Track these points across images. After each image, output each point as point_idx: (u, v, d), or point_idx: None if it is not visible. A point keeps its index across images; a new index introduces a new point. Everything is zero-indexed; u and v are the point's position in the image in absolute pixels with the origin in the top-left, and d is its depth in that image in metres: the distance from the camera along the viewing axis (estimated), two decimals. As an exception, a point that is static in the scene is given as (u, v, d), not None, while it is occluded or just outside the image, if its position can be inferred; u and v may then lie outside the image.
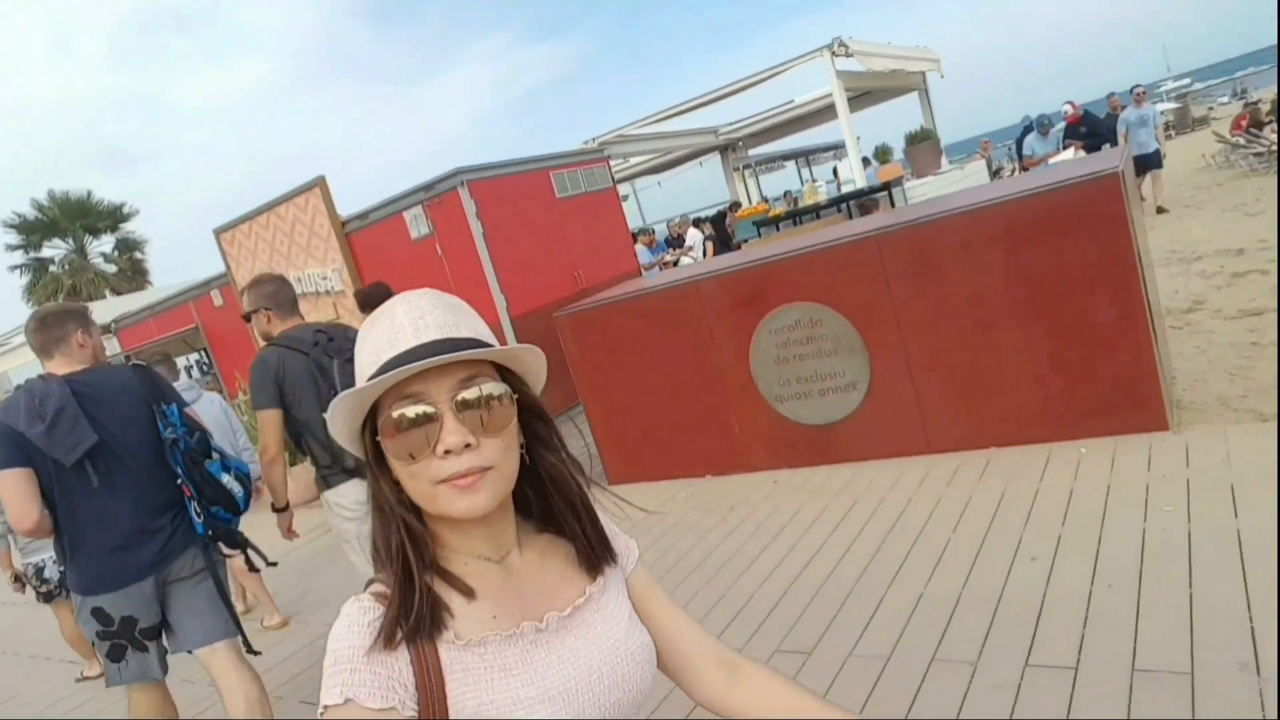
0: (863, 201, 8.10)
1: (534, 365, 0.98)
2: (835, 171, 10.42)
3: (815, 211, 8.62)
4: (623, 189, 17.98)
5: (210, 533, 2.83)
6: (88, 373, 2.76)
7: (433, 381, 0.87)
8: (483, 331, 0.95)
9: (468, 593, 0.92)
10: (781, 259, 4.62)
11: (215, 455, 2.90)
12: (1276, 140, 13.57)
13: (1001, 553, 3.27)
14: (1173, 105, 35.32)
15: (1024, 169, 10.44)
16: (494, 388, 0.90)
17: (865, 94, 12.75)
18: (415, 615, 0.86)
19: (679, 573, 4.00)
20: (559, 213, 8.79)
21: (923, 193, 8.00)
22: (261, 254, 9.32)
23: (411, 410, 0.87)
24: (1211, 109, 36.41)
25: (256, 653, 3.01)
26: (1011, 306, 4.03)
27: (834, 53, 10.22)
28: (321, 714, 0.83)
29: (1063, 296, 3.90)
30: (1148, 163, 11.10)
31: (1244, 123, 16.89)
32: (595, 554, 1.02)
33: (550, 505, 1.01)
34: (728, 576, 3.82)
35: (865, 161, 12.23)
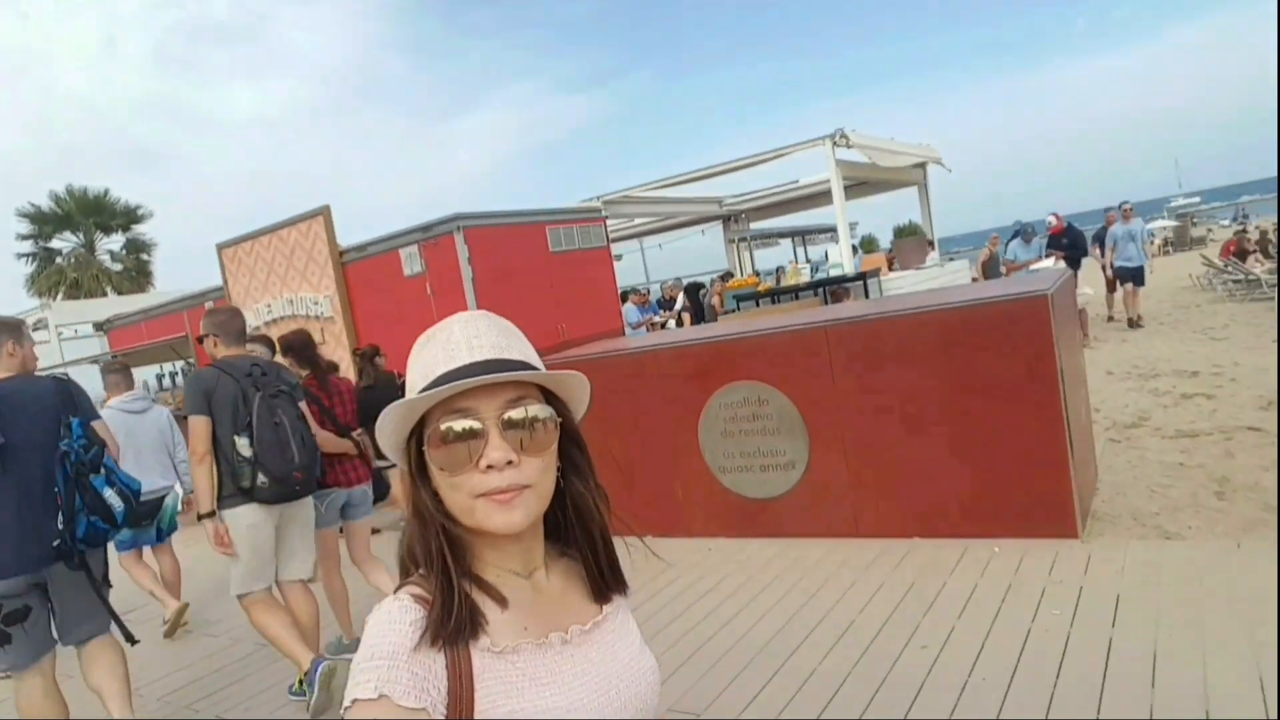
0: (836, 289, 8.41)
1: (578, 392, 1.01)
2: (826, 255, 10.78)
3: (795, 293, 8.95)
4: (627, 246, 18.43)
5: (87, 539, 3.12)
6: (11, 380, 3.16)
7: (482, 399, 0.91)
8: (532, 356, 0.99)
9: (501, 601, 0.94)
10: (738, 338, 4.89)
11: (104, 471, 3.22)
12: (1261, 269, 14.00)
13: (897, 638, 3.45)
14: (1173, 223, 36.24)
15: (1006, 273, 10.80)
16: (539, 410, 0.94)
17: (863, 183, 13.20)
18: (456, 618, 0.88)
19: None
20: (550, 266, 9.09)
21: (897, 285, 8.31)
22: (259, 273, 9.61)
23: (459, 424, 0.90)
24: (1210, 230, 37.31)
25: (135, 641, 3.31)
26: (942, 408, 4.27)
27: (835, 142, 10.66)
28: (349, 706, 0.83)
29: (989, 404, 4.15)
30: (1131, 276, 11.50)
31: (1231, 249, 17.43)
32: (606, 584, 1.04)
33: (572, 531, 1.04)
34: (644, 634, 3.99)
35: (855, 249, 12.64)
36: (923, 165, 14.06)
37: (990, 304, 4.05)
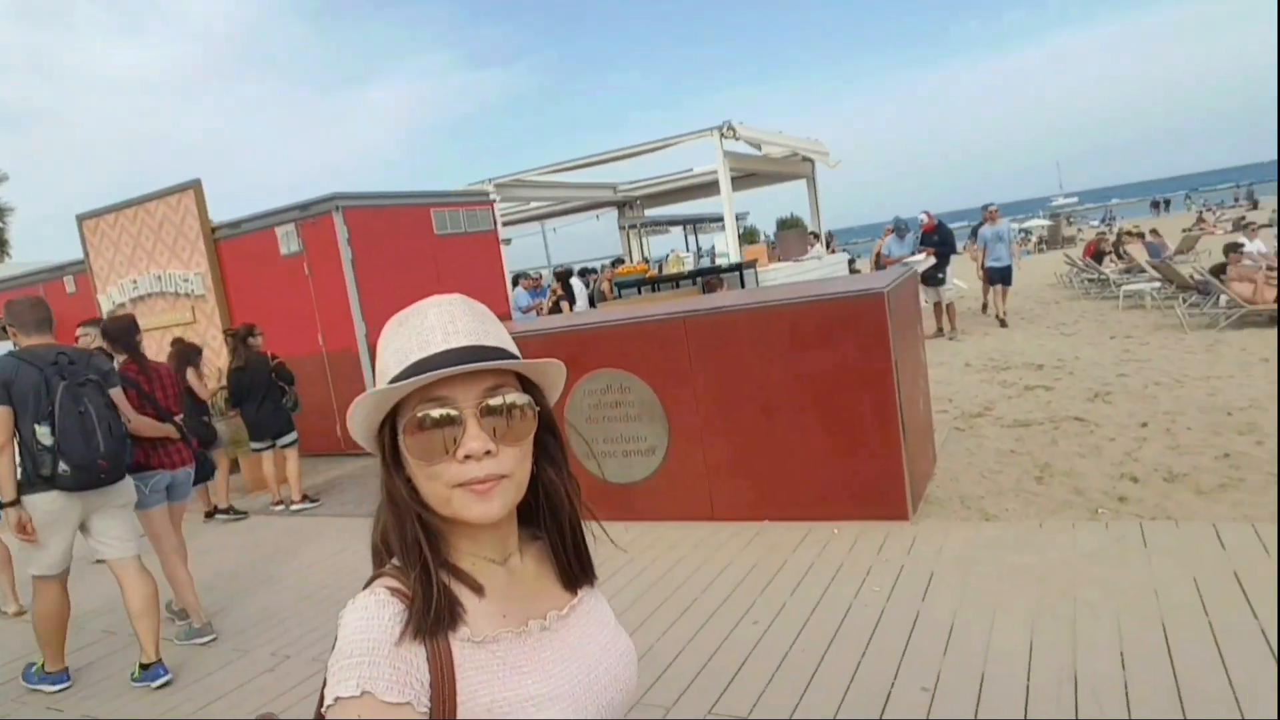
0: (710, 279, 8.68)
1: (555, 379, 1.00)
2: (713, 244, 11.04)
3: (676, 281, 9.18)
4: (527, 229, 18.33)
5: None
6: None
7: (459, 387, 0.89)
8: (507, 342, 0.96)
9: (478, 590, 0.93)
10: (601, 327, 5.02)
11: None
12: (1112, 269, 15.10)
13: (733, 614, 3.67)
14: (1047, 222, 38.49)
15: (880, 266, 11.32)
16: (518, 398, 0.92)
17: (752, 175, 13.55)
18: (436, 611, 0.86)
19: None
20: (435, 248, 9.03)
21: (773, 277, 8.62)
22: (124, 247, 9.16)
23: (436, 412, 0.88)
24: (1080, 230, 39.75)
25: None
26: (790, 396, 4.51)
27: (723, 134, 10.91)
28: (331, 705, 0.82)
29: (832, 393, 4.41)
30: (1000, 276, 12.06)
31: (1090, 250, 18.67)
32: (573, 573, 1.04)
33: (543, 516, 1.02)
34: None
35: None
36: (811, 162, 14.50)
37: (832, 300, 4.31)
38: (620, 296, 9.13)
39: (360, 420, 0.93)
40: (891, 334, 4.21)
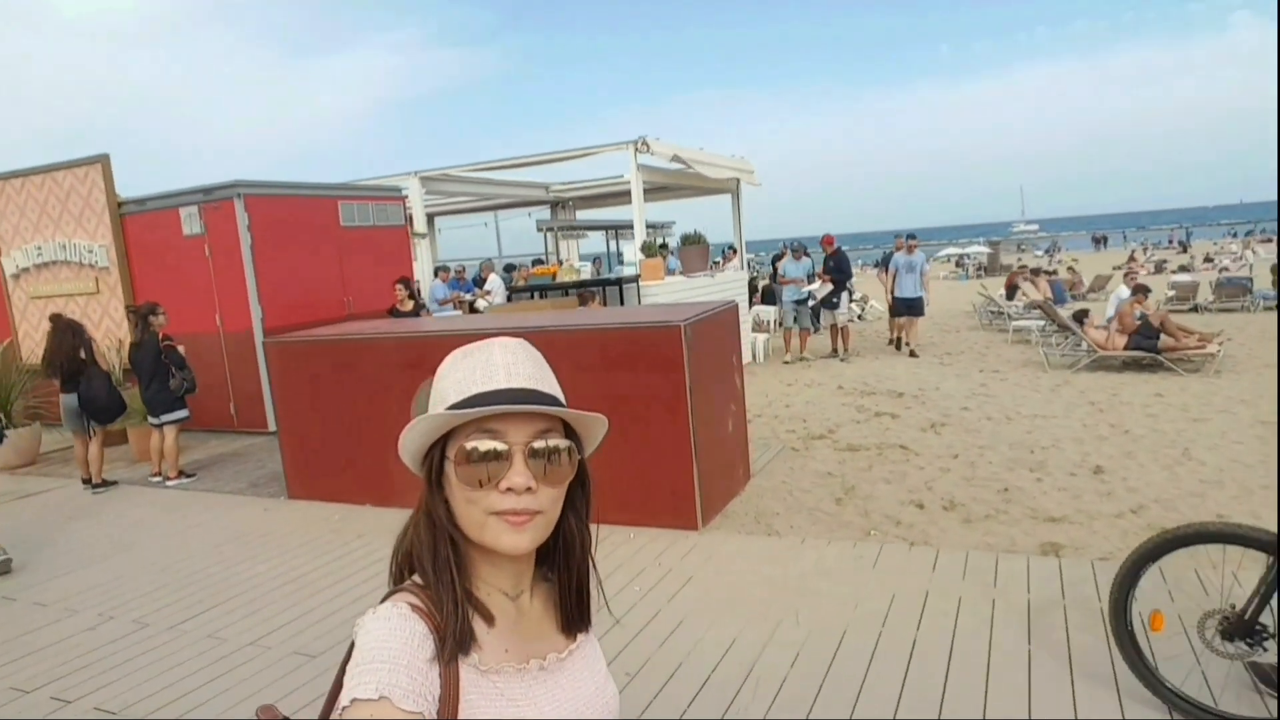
0: (582, 292, 9.12)
1: (596, 431, 1.05)
2: (621, 254, 11.50)
3: (566, 289, 9.60)
4: (461, 220, 18.60)
5: None
6: None
7: (512, 424, 0.94)
8: (559, 391, 1.02)
9: (489, 620, 0.97)
10: (442, 335, 5.46)
11: None
12: (1015, 304, 15.89)
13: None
14: (986, 249, 39.71)
15: (778, 285, 11.89)
16: (563, 443, 0.97)
17: (679, 187, 14.06)
18: (460, 634, 0.92)
19: (279, 576, 4.65)
20: (341, 241, 9.34)
21: (654, 293, 9.08)
22: (30, 212, 9.34)
23: (487, 444, 0.93)
24: (1020, 258, 41.10)
25: None
26: (601, 409, 4.97)
27: (637, 148, 11.36)
28: (347, 705, 0.84)
29: (636, 412, 4.89)
30: (910, 307, 12.18)
31: (1009, 282, 19.53)
32: (570, 617, 1.08)
33: (555, 559, 1.07)
34: (312, 584, 4.52)
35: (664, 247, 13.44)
36: (735, 179, 15.02)
37: (635, 329, 4.80)
38: (510, 300, 9.52)
39: (415, 439, 0.98)
40: (687, 363, 4.70)
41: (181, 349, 7.08)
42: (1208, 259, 33.57)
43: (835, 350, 12.21)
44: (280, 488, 6.45)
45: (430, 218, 17.74)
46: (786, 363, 11.79)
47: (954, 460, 6.48)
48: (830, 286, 11.89)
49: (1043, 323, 13.09)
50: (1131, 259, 34.97)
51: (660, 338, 4.73)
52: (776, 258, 12.42)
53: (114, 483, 7.17)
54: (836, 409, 8.56)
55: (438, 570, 0.95)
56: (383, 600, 0.95)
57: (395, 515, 4.10)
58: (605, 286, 9.58)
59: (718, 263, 14.42)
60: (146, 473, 7.34)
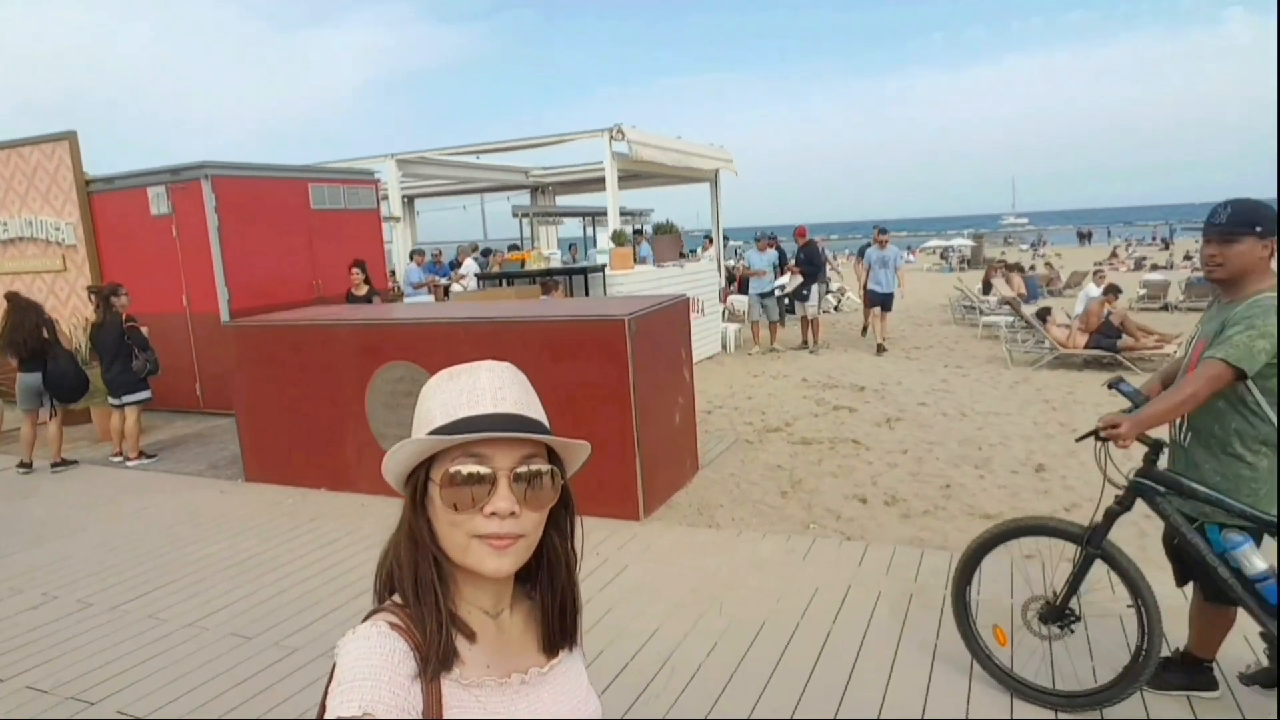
0: (545, 281, 9.18)
1: (578, 456, 1.06)
2: (595, 241, 11.54)
3: (533, 277, 9.66)
4: (442, 202, 18.57)
5: None
6: None
7: (498, 449, 0.94)
8: (544, 416, 1.03)
9: (470, 636, 0.98)
10: (398, 324, 5.52)
11: None
12: (988, 300, 16.03)
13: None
14: (970, 242, 39.94)
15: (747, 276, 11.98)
16: (546, 468, 0.98)
17: (642, 175, 14.10)
18: (443, 652, 0.93)
19: (226, 558, 4.74)
20: (310, 223, 9.36)
21: (620, 283, 9.14)
22: (-4, 188, 9.32)
23: (473, 468, 0.93)
24: (1004, 252, 41.35)
25: None
26: (547, 401, 5.05)
27: (612, 136, 11.40)
28: None
29: (580, 402, 4.98)
30: (879, 301, 12.04)
31: (987, 276, 19.67)
32: (554, 639, 1.09)
33: (538, 578, 1.08)
34: (259, 567, 4.61)
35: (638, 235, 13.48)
36: (715, 170, 15.07)
37: (580, 322, 4.89)
38: (480, 286, 9.57)
39: (400, 462, 0.97)
40: (631, 356, 4.79)
41: (145, 330, 7.11)
42: (1187, 256, 33.92)
43: (805, 342, 12.32)
44: (239, 470, 6.52)
45: (410, 200, 17.73)
46: (752, 355, 11.87)
47: (903, 455, 6.61)
48: (800, 279, 11.99)
49: (1012, 319, 13.25)
50: (1113, 255, 35.25)
51: (604, 330, 4.81)
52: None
53: (74, 462, 7.22)
54: (797, 402, 8.68)
55: (421, 591, 0.96)
56: (363, 621, 0.96)
57: (348, 500, 4.23)
58: (572, 276, 9.63)
59: (695, 252, 14.49)
60: (109, 453, 7.39)
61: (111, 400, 7.09)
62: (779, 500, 5.60)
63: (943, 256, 39.70)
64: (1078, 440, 2.98)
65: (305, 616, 4.05)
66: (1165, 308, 16.78)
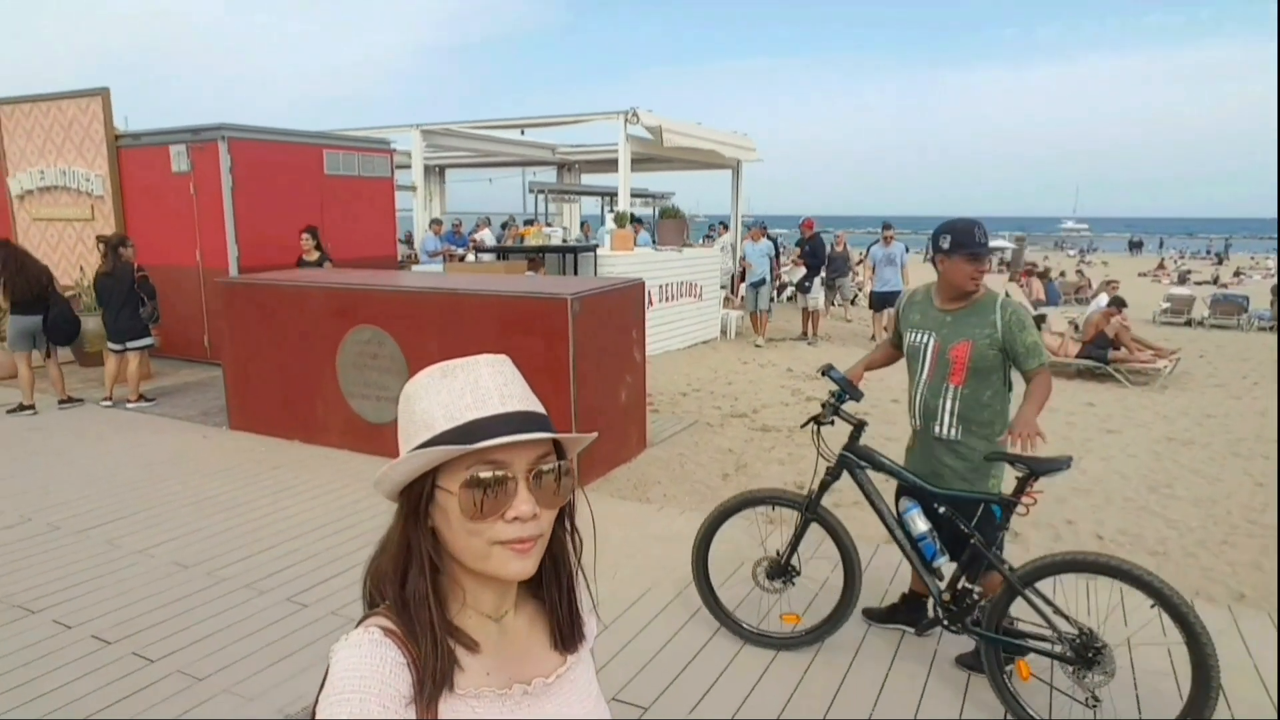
0: (532, 259, 9.45)
1: (580, 447, 1.03)
2: (604, 221, 11.80)
3: (530, 253, 9.96)
4: (468, 173, 18.95)
5: None
6: None
7: (515, 452, 0.90)
8: (543, 407, 1.00)
9: (472, 647, 0.94)
10: (369, 289, 5.87)
11: None
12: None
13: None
14: (1010, 245, 39.17)
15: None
16: (564, 465, 0.95)
17: (661, 159, 14.28)
18: (441, 672, 0.89)
19: (190, 495, 5.15)
20: (323, 188, 9.76)
21: (613, 264, 9.37)
22: (36, 137, 9.87)
23: (492, 473, 0.89)
24: (1048, 257, 40.48)
25: None
26: (497, 373, 5.39)
27: (627, 119, 11.62)
28: None
29: (527, 373, 5.23)
30: (886, 300, 11.61)
31: (1012, 281, 19.51)
32: (564, 632, 1.05)
33: (543, 573, 1.03)
34: (214, 505, 5.01)
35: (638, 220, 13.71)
36: (737, 159, 15.19)
37: (527, 299, 5.18)
38: (477, 259, 9.90)
39: (409, 473, 0.91)
40: (572, 334, 5.07)
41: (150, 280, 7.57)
42: (1237, 273, 32.98)
43: (805, 334, 12.45)
44: (226, 418, 6.96)
45: (441, 169, 18.16)
46: (758, 346, 11.86)
47: (856, 450, 6.78)
48: (804, 270, 12.11)
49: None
50: (1160, 266, 34.41)
51: (549, 309, 5.09)
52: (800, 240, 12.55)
53: (80, 400, 7.73)
54: (773, 390, 8.87)
55: (415, 606, 0.92)
56: (356, 625, 0.93)
57: (316, 451, 4.84)
58: (564, 254, 9.90)
59: (710, 238, 14.64)
60: (121, 396, 7.84)
61: (113, 345, 7.54)
62: (718, 482, 5.84)
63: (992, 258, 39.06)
64: (801, 426, 3.64)
65: (241, 552, 4.43)
66: (1189, 323, 16.51)
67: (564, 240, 11.10)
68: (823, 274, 12.43)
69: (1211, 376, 10.51)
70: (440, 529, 0.93)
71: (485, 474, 0.89)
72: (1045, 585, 2.93)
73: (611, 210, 17.14)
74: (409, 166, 12.77)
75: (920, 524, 3.17)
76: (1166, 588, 2.63)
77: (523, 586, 1.03)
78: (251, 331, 6.55)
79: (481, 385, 0.94)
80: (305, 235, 8.52)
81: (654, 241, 11.89)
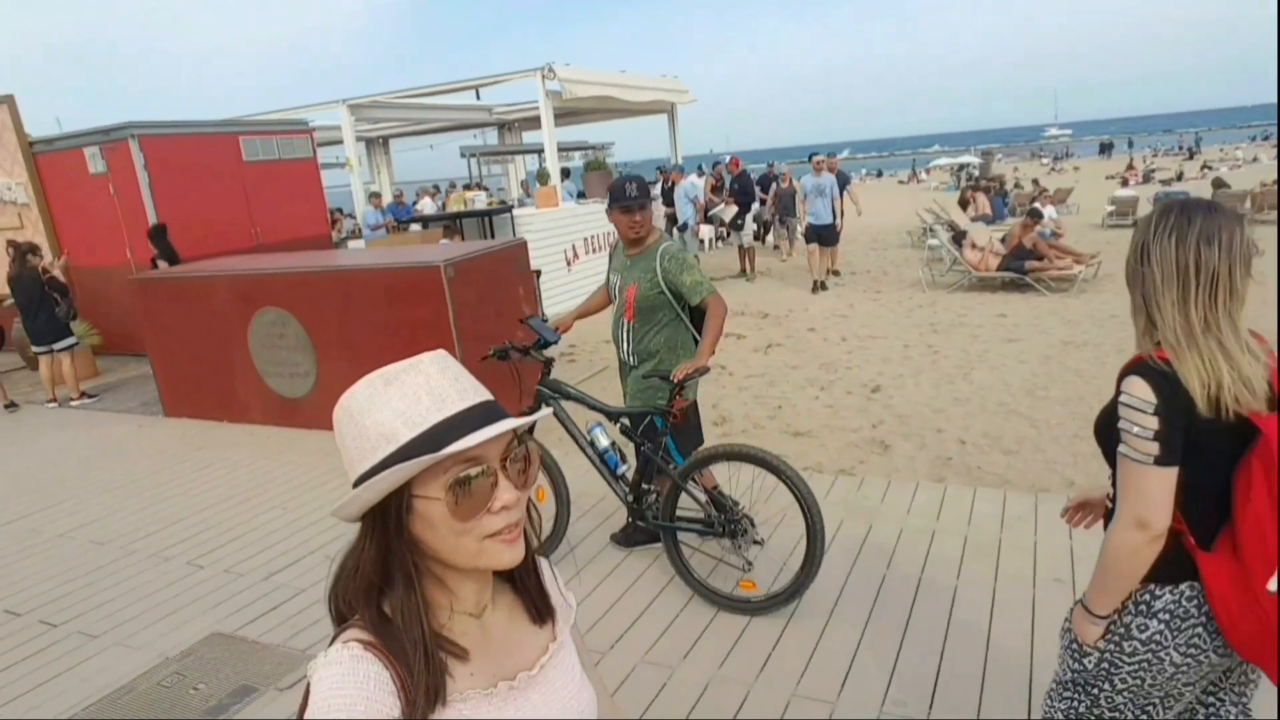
0: (447, 226, 9.66)
1: (529, 423, 0.99)
2: (535, 180, 11.98)
3: (447, 220, 10.17)
4: (412, 142, 18.99)
5: None
6: None
7: (487, 443, 0.89)
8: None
9: (461, 655, 0.93)
10: (270, 274, 6.18)
11: None
12: (962, 220, 16.15)
13: (320, 500, 4.95)
14: (977, 160, 39.17)
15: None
16: (533, 446, 0.95)
17: (589, 111, 14.38)
18: (432, 689, 0.88)
19: (114, 481, 5.51)
20: (244, 175, 9.94)
21: (530, 223, 9.59)
22: (-46, 151, 10.03)
23: (473, 470, 0.88)
24: (1017, 169, 40.47)
25: None
26: (388, 340, 5.71)
27: (544, 75, 11.74)
28: None
29: (413, 341, 5.56)
30: (820, 236, 11.14)
31: (962, 198, 19.64)
32: (538, 608, 1.05)
33: None
34: (133, 487, 5.37)
35: (565, 174, 13.87)
36: (671, 103, 15.28)
37: (404, 269, 5.49)
38: (402, 230, 10.10)
39: (381, 490, 0.87)
40: (450, 298, 5.38)
41: (57, 271, 7.70)
42: (1204, 166, 33.00)
43: (743, 270, 12.72)
44: (157, 409, 7.30)
45: (385, 140, 18.20)
46: None
47: (758, 380, 7.14)
48: (735, 209, 12.33)
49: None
50: (1130, 167, 34.45)
51: (425, 277, 5.40)
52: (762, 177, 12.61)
53: (15, 406, 8.03)
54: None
55: (406, 621, 0.89)
56: (331, 641, 0.91)
57: (240, 430, 5.43)
58: (481, 218, 10.12)
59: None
60: (65, 396, 8.16)
61: (37, 349, 7.78)
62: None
63: (955, 174, 39.07)
64: (482, 360, 3.64)
65: (154, 525, 4.80)
66: (1134, 224, 16.72)
67: (489, 203, 11.27)
68: (759, 211, 12.63)
69: (1129, 276, 10.82)
70: (422, 537, 0.90)
71: (471, 472, 0.88)
72: (721, 476, 3.50)
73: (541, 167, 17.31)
74: (332, 143, 12.88)
75: (603, 440, 3.62)
76: (780, 463, 3.14)
77: (495, 577, 1.02)
78: (169, 323, 6.84)
79: (434, 385, 0.91)
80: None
81: (573, 197, 12.07)
